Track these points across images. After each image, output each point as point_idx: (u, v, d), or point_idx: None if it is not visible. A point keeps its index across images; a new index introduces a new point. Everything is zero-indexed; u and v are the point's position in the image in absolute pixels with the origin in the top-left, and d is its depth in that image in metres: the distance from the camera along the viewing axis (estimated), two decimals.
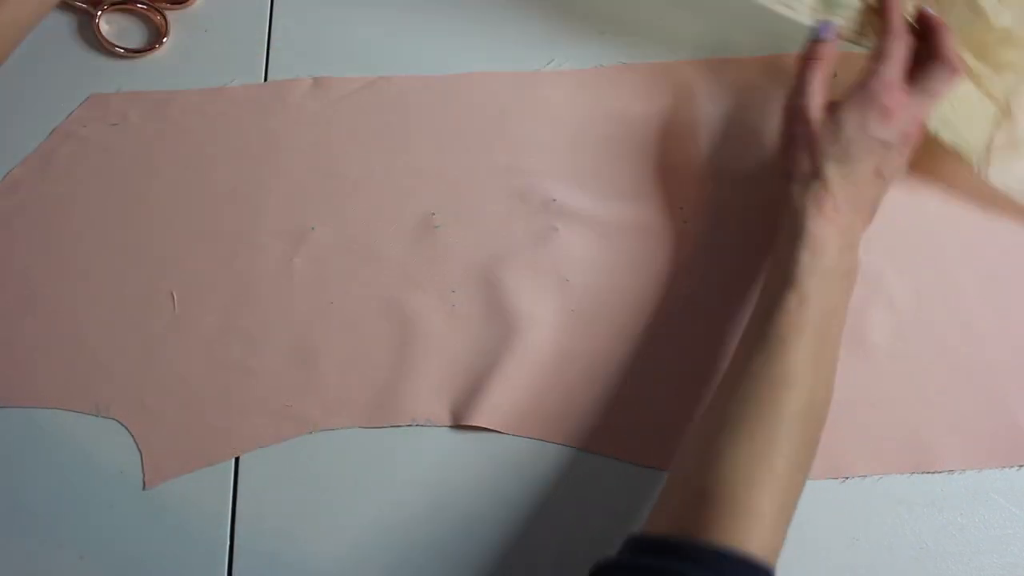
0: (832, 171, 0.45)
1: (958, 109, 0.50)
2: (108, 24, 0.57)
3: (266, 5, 0.58)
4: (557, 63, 0.56)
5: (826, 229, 0.44)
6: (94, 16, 0.57)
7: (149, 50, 0.56)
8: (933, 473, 0.47)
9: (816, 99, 0.47)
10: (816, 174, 0.45)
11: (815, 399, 0.41)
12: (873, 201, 0.47)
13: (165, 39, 0.57)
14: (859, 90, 0.46)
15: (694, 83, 0.56)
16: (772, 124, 0.52)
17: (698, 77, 0.56)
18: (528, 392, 0.48)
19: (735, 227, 0.52)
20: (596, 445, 0.47)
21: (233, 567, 0.45)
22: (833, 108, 0.46)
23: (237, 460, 0.47)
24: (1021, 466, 0.47)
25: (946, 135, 0.49)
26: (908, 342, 0.49)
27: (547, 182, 0.53)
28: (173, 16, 0.58)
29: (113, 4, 0.57)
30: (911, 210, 0.52)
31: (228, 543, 0.46)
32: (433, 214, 0.52)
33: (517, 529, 0.46)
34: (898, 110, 0.45)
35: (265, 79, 0.56)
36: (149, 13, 0.57)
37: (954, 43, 0.48)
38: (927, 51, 0.48)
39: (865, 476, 0.47)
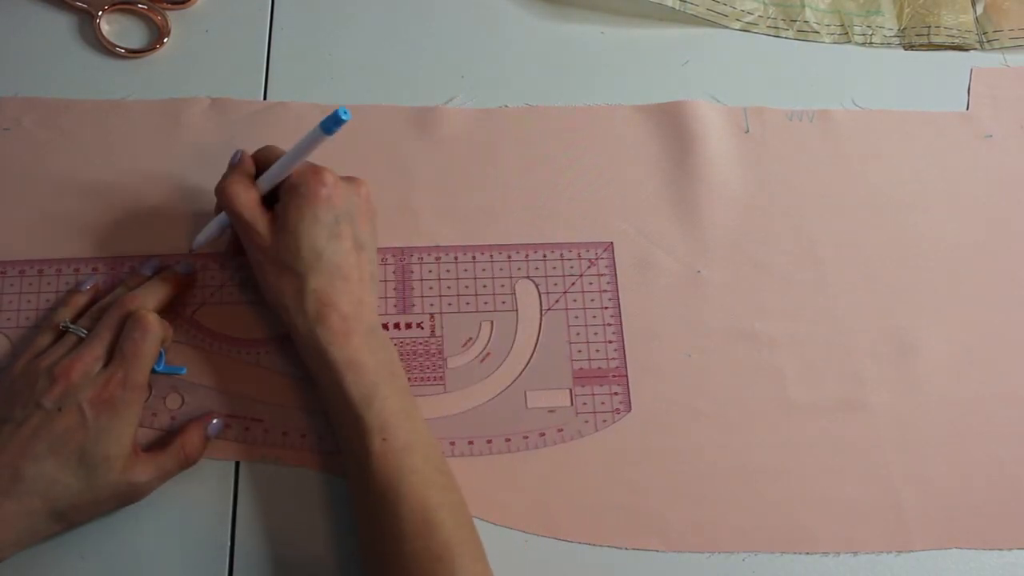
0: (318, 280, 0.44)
1: None
2: (109, 24, 0.57)
3: (267, 5, 0.59)
4: (460, 101, 0.56)
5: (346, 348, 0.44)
6: (95, 16, 0.57)
7: (150, 50, 0.56)
8: (808, 554, 0.47)
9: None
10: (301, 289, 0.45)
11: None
12: (372, 275, 0.47)
13: (166, 39, 0.57)
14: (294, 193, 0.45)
15: (602, 128, 0.56)
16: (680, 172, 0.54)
17: (608, 123, 0.56)
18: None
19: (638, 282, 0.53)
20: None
21: (234, 568, 0.45)
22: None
23: (238, 462, 0.47)
24: (900, 552, 0.48)
25: None
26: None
27: (434, 222, 0.53)
28: (174, 16, 0.57)
29: (114, 4, 0.57)
30: None
31: (229, 544, 0.46)
32: None
33: None
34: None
35: (266, 79, 0.56)
36: (150, 13, 0.57)
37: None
38: None
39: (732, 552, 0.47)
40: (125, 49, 0.56)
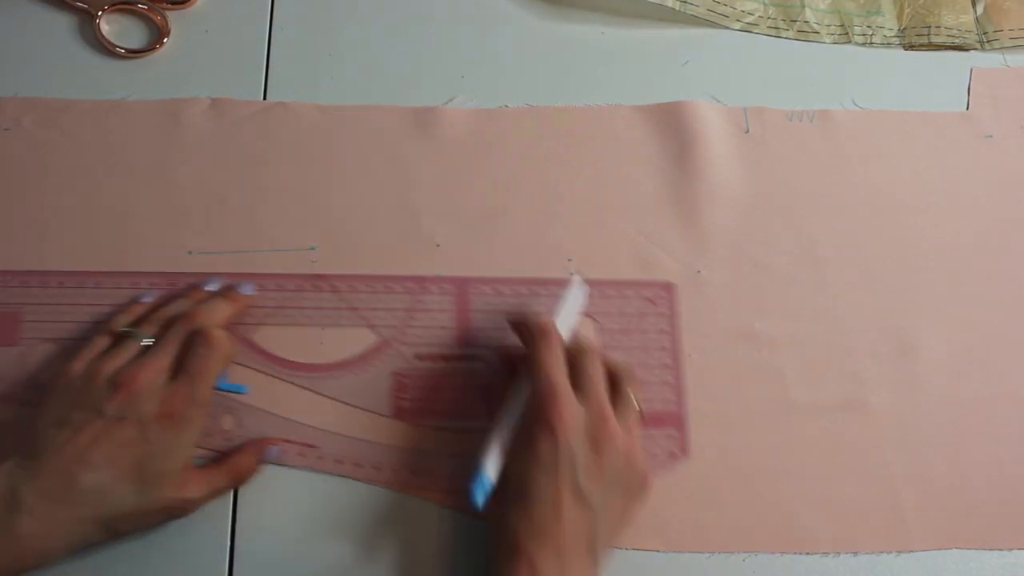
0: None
1: None
2: (109, 24, 0.57)
3: (267, 5, 0.59)
4: (460, 101, 0.56)
5: None
6: (95, 16, 0.57)
7: (150, 50, 0.56)
8: (808, 554, 0.47)
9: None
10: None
11: None
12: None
13: (166, 39, 0.57)
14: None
15: (602, 128, 0.56)
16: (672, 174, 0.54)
17: (608, 123, 0.56)
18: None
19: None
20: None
21: (234, 568, 0.45)
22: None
23: None
24: (900, 552, 0.48)
25: None
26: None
27: (435, 223, 0.53)
28: (174, 16, 0.58)
29: (114, 4, 0.57)
30: None
31: (229, 544, 0.46)
32: (312, 248, 0.52)
33: None
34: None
35: (266, 79, 0.56)
36: (150, 13, 0.57)
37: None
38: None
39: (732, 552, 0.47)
40: (125, 49, 0.56)
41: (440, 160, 0.55)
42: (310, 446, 0.47)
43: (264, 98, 0.56)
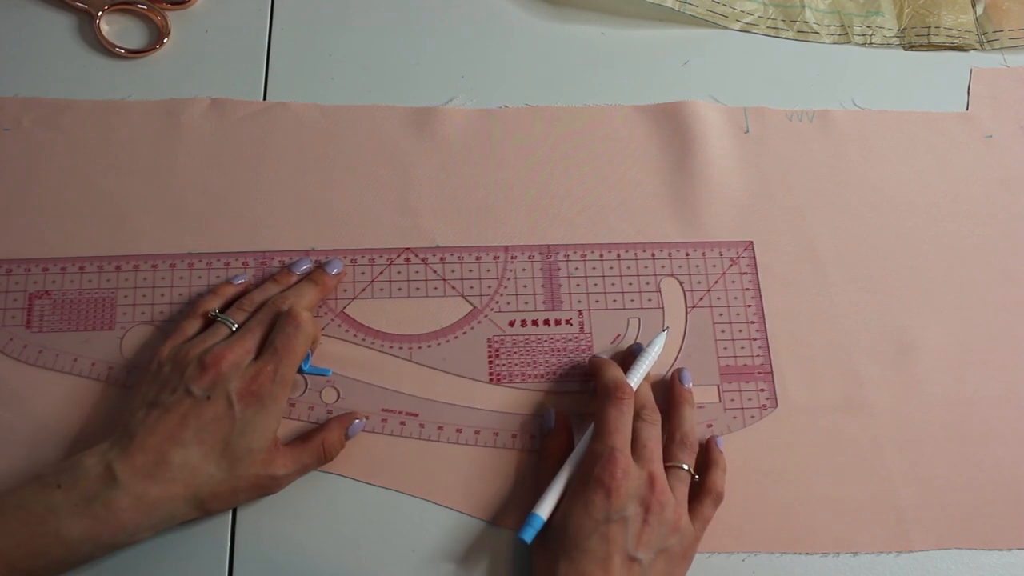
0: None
1: None
2: (108, 24, 0.57)
3: (267, 5, 0.59)
4: (460, 101, 0.56)
5: None
6: (95, 16, 0.57)
7: (150, 50, 0.56)
8: (808, 554, 0.47)
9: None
10: None
11: None
12: None
13: (166, 39, 0.57)
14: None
15: (602, 128, 0.56)
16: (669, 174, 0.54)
17: (608, 123, 0.56)
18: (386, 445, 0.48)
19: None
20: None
21: (234, 568, 0.45)
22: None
23: None
24: (900, 552, 0.48)
25: None
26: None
27: (434, 223, 0.53)
28: (174, 16, 0.58)
29: (114, 4, 0.57)
30: None
31: (229, 544, 0.46)
32: (311, 248, 0.52)
33: None
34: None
35: (266, 79, 0.56)
36: (150, 13, 0.57)
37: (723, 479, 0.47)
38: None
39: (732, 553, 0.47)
40: (125, 49, 0.56)
41: (440, 160, 0.55)
42: (411, 414, 0.48)
43: (264, 98, 0.56)
